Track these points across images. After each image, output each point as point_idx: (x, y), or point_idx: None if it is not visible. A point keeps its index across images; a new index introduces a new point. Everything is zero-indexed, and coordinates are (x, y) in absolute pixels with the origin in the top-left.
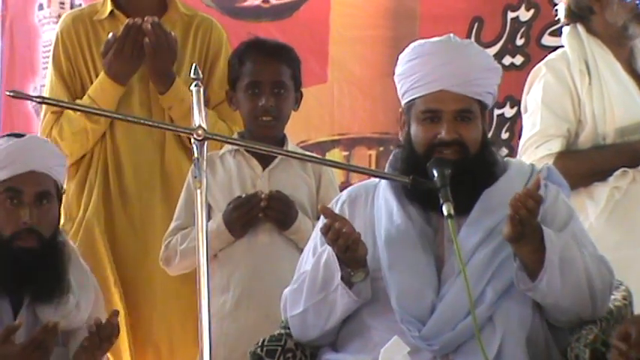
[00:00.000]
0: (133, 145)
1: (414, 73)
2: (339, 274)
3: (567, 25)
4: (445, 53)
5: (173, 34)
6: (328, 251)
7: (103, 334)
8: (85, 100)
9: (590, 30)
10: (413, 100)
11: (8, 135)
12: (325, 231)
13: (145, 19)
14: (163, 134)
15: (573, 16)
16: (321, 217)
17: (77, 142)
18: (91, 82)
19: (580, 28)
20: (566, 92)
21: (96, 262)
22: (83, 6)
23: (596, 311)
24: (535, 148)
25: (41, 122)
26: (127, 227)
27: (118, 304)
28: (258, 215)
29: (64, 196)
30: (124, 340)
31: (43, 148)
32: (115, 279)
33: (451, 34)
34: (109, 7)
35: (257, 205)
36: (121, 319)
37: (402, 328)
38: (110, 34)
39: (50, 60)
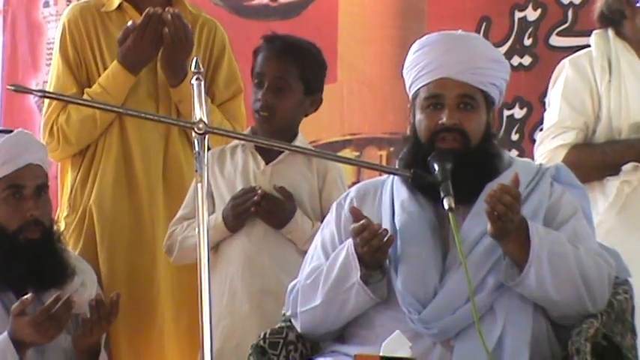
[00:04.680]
0: (141, 135)
1: (418, 63)
2: (357, 273)
3: (599, 29)
4: (448, 43)
5: (190, 27)
6: (347, 249)
7: (103, 312)
8: (95, 89)
9: (619, 34)
10: (418, 90)
11: None
12: (361, 230)
13: (166, 9)
14: (168, 127)
15: (605, 20)
16: (329, 214)
17: (85, 129)
18: (98, 73)
19: (610, 32)
20: (586, 87)
21: (100, 251)
22: None
23: (594, 304)
24: (551, 138)
25: (45, 110)
26: (133, 214)
27: (121, 292)
28: (251, 209)
29: (69, 187)
30: (123, 329)
31: (34, 141)
32: (118, 267)
33: (459, 30)
34: None
35: (250, 199)
36: (123, 308)
37: (403, 315)
38: (130, 22)
39: (57, 49)
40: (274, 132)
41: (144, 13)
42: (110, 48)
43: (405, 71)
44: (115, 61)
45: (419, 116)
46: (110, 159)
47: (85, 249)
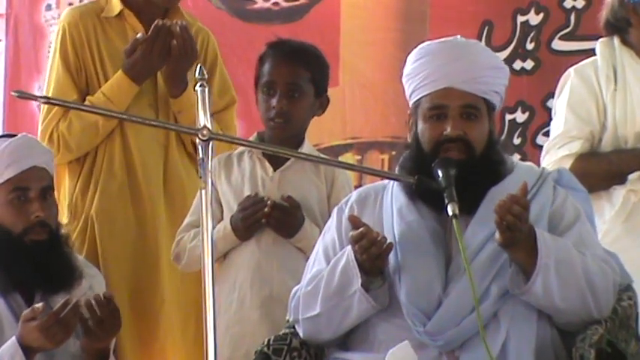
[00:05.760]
0: (142, 144)
1: (420, 73)
2: (358, 281)
3: (604, 37)
4: (450, 52)
5: (194, 39)
6: (347, 257)
7: (102, 313)
8: (98, 97)
9: (625, 42)
10: (419, 99)
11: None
12: (359, 238)
13: (174, 21)
14: (167, 138)
15: (611, 28)
16: (330, 219)
17: (86, 137)
18: (97, 78)
19: (616, 40)
20: (591, 96)
21: (103, 259)
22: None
23: (600, 311)
24: (557, 148)
25: (44, 115)
26: (136, 225)
27: (124, 302)
28: (261, 220)
29: (68, 195)
30: (128, 339)
31: (38, 144)
32: (120, 275)
33: (458, 36)
34: (118, 5)
35: (260, 210)
36: (127, 318)
37: (408, 323)
38: (139, 34)
39: (56, 53)
40: (286, 138)
41: (153, 25)
42: (110, 54)
43: (404, 79)
44: (120, 71)
45: (422, 125)
46: (112, 169)
47: (88, 258)
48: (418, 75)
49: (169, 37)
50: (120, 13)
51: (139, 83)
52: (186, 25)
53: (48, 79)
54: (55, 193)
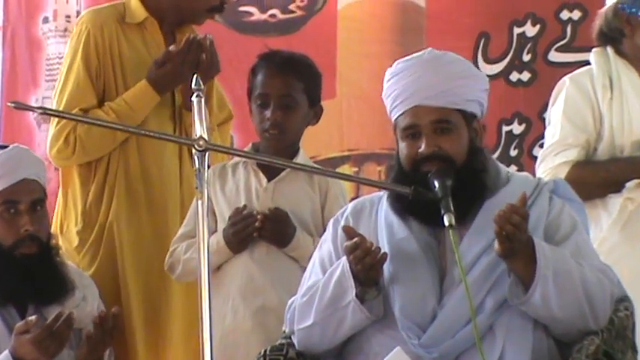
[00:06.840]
0: (160, 156)
1: (391, 93)
2: (353, 291)
3: (597, 47)
4: (416, 69)
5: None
6: (343, 267)
7: (106, 327)
8: (119, 104)
9: (618, 52)
10: (396, 118)
11: None
12: (353, 248)
13: (204, 35)
14: (181, 150)
15: (604, 38)
16: (326, 231)
17: (104, 141)
18: (115, 85)
19: (609, 49)
20: (587, 104)
21: (123, 268)
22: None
23: (597, 322)
24: (553, 155)
25: (56, 120)
26: (152, 235)
27: (140, 312)
28: (252, 234)
29: (81, 202)
30: (141, 349)
31: (30, 156)
32: (137, 284)
33: (428, 49)
34: (142, 12)
35: (251, 224)
36: (141, 327)
37: (402, 336)
38: (172, 47)
39: (76, 54)
40: (280, 149)
41: (184, 39)
42: (132, 60)
43: (383, 98)
44: (144, 80)
45: (400, 145)
46: (129, 178)
47: (103, 266)
48: (390, 95)
49: (199, 50)
50: (142, 21)
51: (162, 94)
52: (213, 40)
53: (64, 81)
54: (61, 195)
